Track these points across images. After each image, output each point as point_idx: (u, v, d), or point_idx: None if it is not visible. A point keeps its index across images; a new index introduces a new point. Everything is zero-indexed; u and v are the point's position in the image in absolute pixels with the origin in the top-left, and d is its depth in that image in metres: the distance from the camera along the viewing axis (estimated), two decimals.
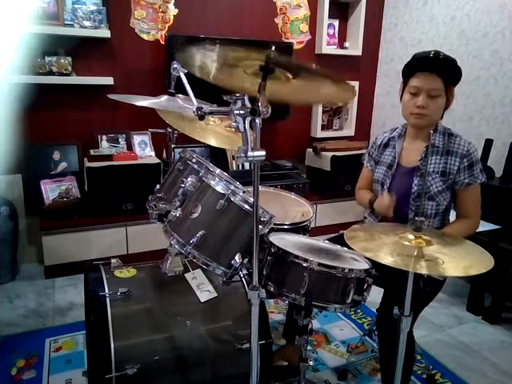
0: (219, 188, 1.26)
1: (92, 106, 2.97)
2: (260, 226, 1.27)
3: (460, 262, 1.11)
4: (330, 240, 1.65)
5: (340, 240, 1.47)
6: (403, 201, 1.61)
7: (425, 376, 1.91)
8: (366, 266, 1.32)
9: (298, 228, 1.61)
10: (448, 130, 1.61)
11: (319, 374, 1.92)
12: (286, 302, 2.26)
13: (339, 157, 3.46)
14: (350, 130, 3.91)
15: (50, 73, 2.70)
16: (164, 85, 2.90)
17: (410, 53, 1.57)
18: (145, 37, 2.96)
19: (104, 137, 2.99)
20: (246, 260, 1.28)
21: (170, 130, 1.86)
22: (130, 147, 3.05)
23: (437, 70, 1.48)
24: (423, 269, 1.05)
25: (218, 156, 3.25)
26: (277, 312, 2.41)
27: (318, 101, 1.63)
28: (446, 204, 1.59)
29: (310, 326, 1.46)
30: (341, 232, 1.43)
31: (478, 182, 1.55)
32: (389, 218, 1.60)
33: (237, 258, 1.26)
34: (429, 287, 1.53)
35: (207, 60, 1.26)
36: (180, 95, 1.66)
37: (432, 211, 1.58)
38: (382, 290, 1.61)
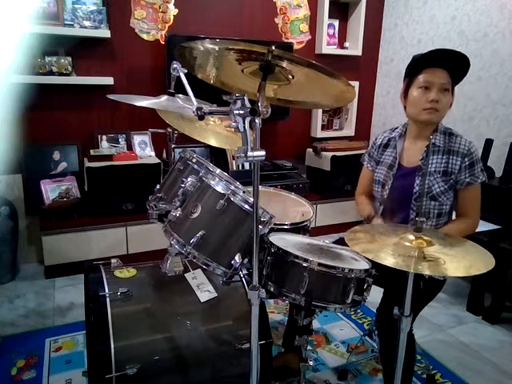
0: (219, 188, 1.26)
1: (92, 106, 2.96)
2: (260, 226, 1.27)
3: (461, 262, 1.11)
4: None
5: (341, 243, 1.47)
6: (405, 201, 1.61)
7: (425, 376, 1.91)
8: (366, 265, 1.32)
9: (298, 228, 1.61)
10: (448, 129, 1.61)
11: (319, 374, 1.92)
12: (286, 302, 2.26)
13: (339, 157, 3.46)
14: (350, 130, 3.91)
15: (50, 73, 2.70)
16: (164, 85, 2.90)
17: (410, 53, 1.57)
18: (145, 37, 2.96)
19: (104, 137, 2.99)
20: (246, 260, 1.28)
21: (170, 130, 1.86)
22: (130, 147, 3.04)
23: (446, 65, 1.49)
24: (425, 269, 1.05)
25: (218, 156, 3.25)
26: (277, 312, 2.41)
27: (317, 103, 1.62)
28: (450, 204, 1.59)
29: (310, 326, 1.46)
30: (341, 235, 1.43)
31: (479, 181, 1.55)
32: (389, 219, 1.60)
33: (237, 258, 1.25)
34: (428, 287, 1.53)
35: (208, 59, 1.26)
36: (180, 95, 1.66)
37: (435, 211, 1.58)
38: (382, 290, 1.61)
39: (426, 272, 1.05)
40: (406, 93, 1.60)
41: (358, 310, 2.44)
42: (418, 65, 1.54)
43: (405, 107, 1.64)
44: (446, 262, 1.08)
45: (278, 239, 1.38)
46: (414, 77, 1.55)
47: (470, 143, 1.56)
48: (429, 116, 1.54)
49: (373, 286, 1.32)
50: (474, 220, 1.58)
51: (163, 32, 2.98)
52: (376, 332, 1.96)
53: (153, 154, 3.07)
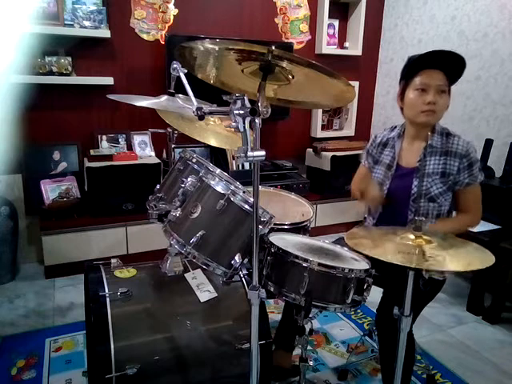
0: (219, 188, 1.26)
1: (92, 105, 2.96)
2: (260, 226, 1.27)
3: (460, 259, 1.12)
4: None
5: (341, 243, 1.47)
6: (403, 202, 1.61)
7: (425, 376, 1.91)
8: (365, 265, 1.32)
9: (298, 228, 1.61)
10: (446, 129, 1.60)
11: (319, 374, 1.92)
12: None
13: (339, 157, 3.46)
14: (350, 130, 3.91)
15: (50, 73, 2.70)
16: (164, 85, 2.90)
17: (411, 53, 1.57)
18: (145, 37, 2.96)
19: (104, 137, 2.99)
20: (246, 260, 1.28)
21: (170, 130, 1.86)
22: (130, 147, 3.04)
23: (443, 66, 1.49)
24: (426, 265, 1.05)
25: (218, 156, 3.26)
26: (277, 312, 2.40)
27: (317, 103, 1.62)
28: (449, 204, 1.59)
29: (310, 326, 1.46)
30: (341, 235, 1.43)
31: (478, 181, 1.55)
32: (387, 219, 1.60)
33: (237, 258, 1.26)
34: (429, 287, 1.53)
35: (208, 59, 1.26)
36: (180, 95, 1.66)
37: (434, 212, 1.58)
38: (382, 289, 1.61)
39: (427, 267, 1.05)
40: (402, 95, 1.60)
41: (358, 310, 2.44)
42: (414, 66, 1.53)
43: (401, 109, 1.63)
44: (446, 260, 1.08)
45: (278, 239, 1.38)
46: (410, 79, 1.55)
47: (468, 143, 1.55)
48: (426, 118, 1.53)
49: (373, 286, 1.32)
50: (475, 216, 1.60)
51: (163, 32, 2.98)
52: (376, 332, 1.96)
53: (153, 154, 3.07)
